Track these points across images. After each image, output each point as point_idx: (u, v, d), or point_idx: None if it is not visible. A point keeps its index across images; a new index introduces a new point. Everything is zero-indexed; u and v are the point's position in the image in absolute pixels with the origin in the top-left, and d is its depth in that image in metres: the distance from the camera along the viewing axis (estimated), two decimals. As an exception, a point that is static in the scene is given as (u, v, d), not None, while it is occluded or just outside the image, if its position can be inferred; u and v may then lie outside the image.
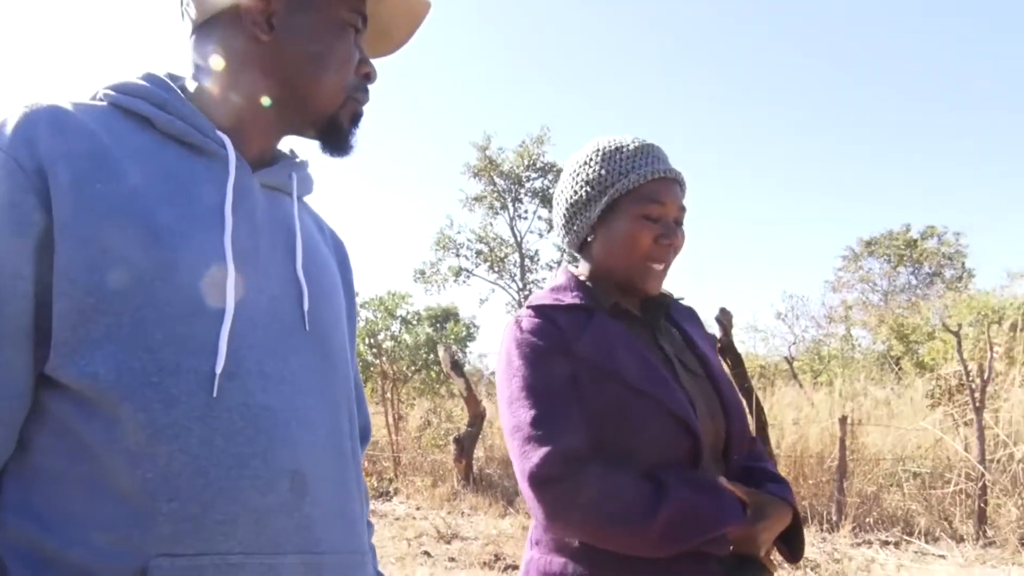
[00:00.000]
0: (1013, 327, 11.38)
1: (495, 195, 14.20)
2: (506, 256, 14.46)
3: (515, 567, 6.05)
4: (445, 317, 16.93)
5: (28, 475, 0.79)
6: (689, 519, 1.30)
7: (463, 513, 8.32)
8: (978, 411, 6.37)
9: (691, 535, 1.29)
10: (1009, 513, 6.30)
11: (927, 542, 6.28)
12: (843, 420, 7.08)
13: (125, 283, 0.78)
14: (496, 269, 14.51)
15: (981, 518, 6.32)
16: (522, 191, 14.35)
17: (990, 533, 6.21)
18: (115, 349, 0.77)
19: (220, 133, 0.92)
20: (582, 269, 1.55)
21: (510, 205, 14.30)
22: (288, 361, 0.88)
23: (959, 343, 6.86)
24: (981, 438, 6.42)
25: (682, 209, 1.48)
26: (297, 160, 1.05)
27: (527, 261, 14.51)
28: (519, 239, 14.44)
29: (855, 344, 17.77)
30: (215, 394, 0.80)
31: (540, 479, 1.29)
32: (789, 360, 15.49)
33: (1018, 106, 41.40)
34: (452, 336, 10.85)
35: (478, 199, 14.35)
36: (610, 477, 1.31)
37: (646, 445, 1.35)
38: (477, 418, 9.19)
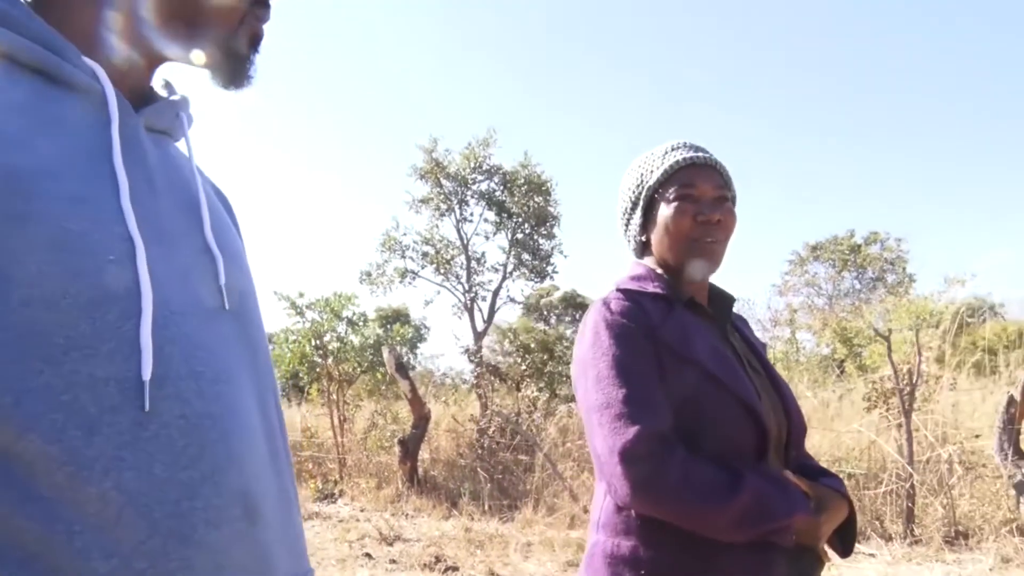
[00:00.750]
0: (945, 332, 11.74)
1: (441, 197, 14.20)
2: (452, 258, 14.48)
3: (455, 569, 6.07)
4: (396, 318, 16.92)
5: None
6: (761, 507, 1.34)
7: (407, 515, 8.32)
8: (907, 414, 6.56)
9: (764, 522, 1.34)
10: (936, 512, 6.49)
11: (858, 541, 6.44)
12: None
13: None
14: (442, 271, 14.52)
15: (909, 517, 6.50)
16: (468, 193, 14.37)
17: (917, 532, 6.39)
18: (2, 362, 0.58)
19: (88, 60, 0.71)
20: (650, 264, 1.60)
21: (456, 207, 14.30)
22: (216, 352, 0.71)
23: (889, 347, 7.06)
24: (910, 440, 6.60)
25: (721, 189, 1.53)
26: (179, 97, 0.85)
27: (473, 263, 14.56)
28: (465, 241, 14.46)
29: (799, 347, 18.13)
30: (147, 408, 0.62)
31: (631, 455, 1.32)
32: (736, 363, 15.74)
33: (964, 114, 42.53)
34: (399, 337, 10.81)
35: (424, 201, 14.34)
36: (693, 460, 1.35)
37: (718, 433, 1.40)
38: (422, 420, 9.19)
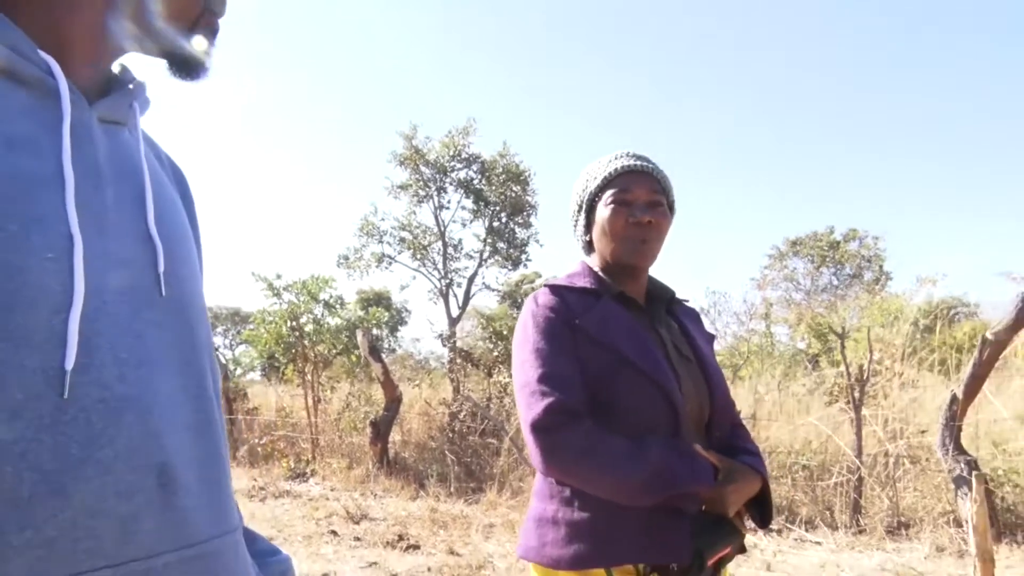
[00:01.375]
0: (911, 330, 11.97)
1: (420, 184, 14.31)
2: (429, 244, 14.62)
3: (416, 547, 6.27)
4: (377, 301, 17.01)
5: None
6: (663, 475, 1.47)
7: (375, 495, 8.50)
8: (857, 409, 6.79)
9: (664, 489, 1.47)
10: (881, 503, 6.74)
11: (807, 530, 6.68)
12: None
13: None
14: (418, 257, 14.66)
15: (856, 508, 6.75)
16: (447, 181, 14.56)
17: (863, 522, 6.64)
18: None
19: (43, 54, 0.72)
20: (593, 263, 1.78)
21: (434, 194, 14.44)
22: (144, 338, 0.75)
23: (842, 344, 7.28)
24: (859, 434, 6.84)
25: (655, 194, 1.69)
26: (134, 83, 0.85)
27: (450, 249, 14.70)
28: (443, 228, 14.62)
29: (775, 341, 18.33)
30: (66, 394, 0.66)
31: (540, 426, 1.50)
32: (709, 355, 15.92)
33: (949, 116, 42.81)
34: (374, 320, 10.96)
35: (403, 187, 14.46)
36: (599, 431, 1.50)
37: (631, 410, 1.54)
38: (393, 402, 9.35)
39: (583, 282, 1.70)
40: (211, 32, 0.86)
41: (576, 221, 1.80)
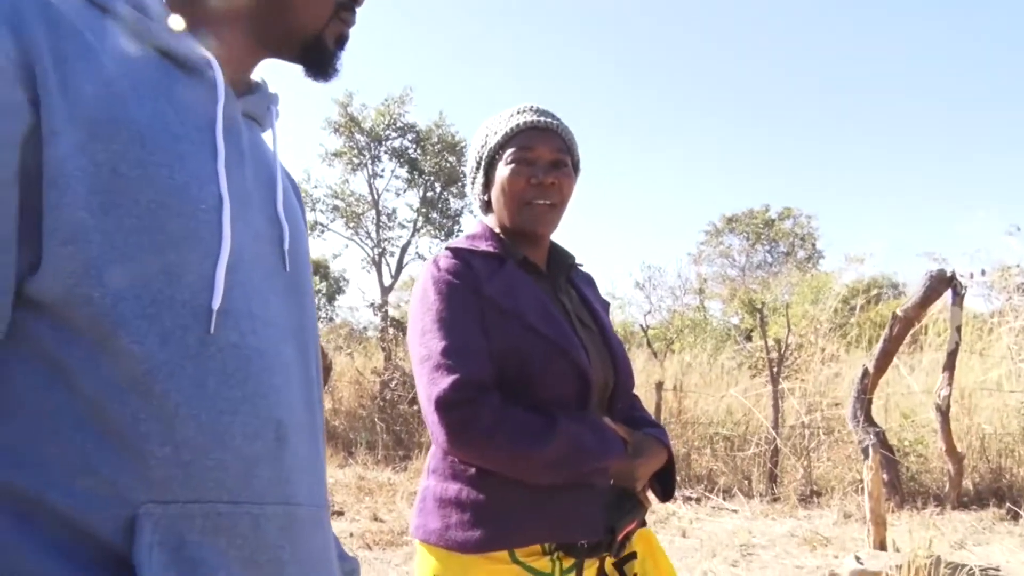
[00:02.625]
0: (836, 307, 12.33)
1: (354, 152, 14.11)
2: (363, 213, 14.46)
3: (341, 513, 6.29)
4: (315, 270, 16.85)
5: (1, 410, 0.70)
6: (574, 451, 1.40)
7: (304, 462, 8.49)
8: (775, 382, 6.99)
9: (576, 464, 1.41)
10: (796, 472, 6.98)
11: (725, 498, 6.89)
12: (659, 385, 7.61)
13: (118, 201, 0.70)
14: (351, 225, 14.52)
15: (772, 478, 6.97)
16: (382, 149, 14.38)
17: (778, 491, 6.87)
18: (111, 273, 0.69)
19: (204, 51, 0.84)
20: (491, 223, 1.65)
21: (369, 163, 14.23)
22: (270, 303, 0.83)
23: (762, 320, 7.48)
24: (775, 407, 7.06)
25: (559, 152, 1.58)
26: (272, 91, 0.98)
27: (383, 218, 14.58)
28: (376, 196, 14.46)
29: (708, 315, 18.68)
30: (212, 330, 0.74)
31: (446, 403, 1.38)
32: (644, 328, 16.20)
33: (884, 101, 43.79)
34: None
35: (337, 155, 14.21)
36: (508, 407, 1.41)
37: (540, 382, 1.45)
38: (324, 370, 9.30)
39: (485, 245, 1.58)
40: (340, 39, 0.97)
41: (474, 179, 1.68)
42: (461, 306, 1.47)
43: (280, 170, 0.94)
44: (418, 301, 1.53)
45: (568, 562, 1.44)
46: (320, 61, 0.95)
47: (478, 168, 1.65)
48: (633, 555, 1.54)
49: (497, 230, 1.63)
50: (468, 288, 1.49)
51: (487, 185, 1.64)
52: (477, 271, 1.52)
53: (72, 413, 0.69)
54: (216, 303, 0.74)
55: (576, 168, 1.66)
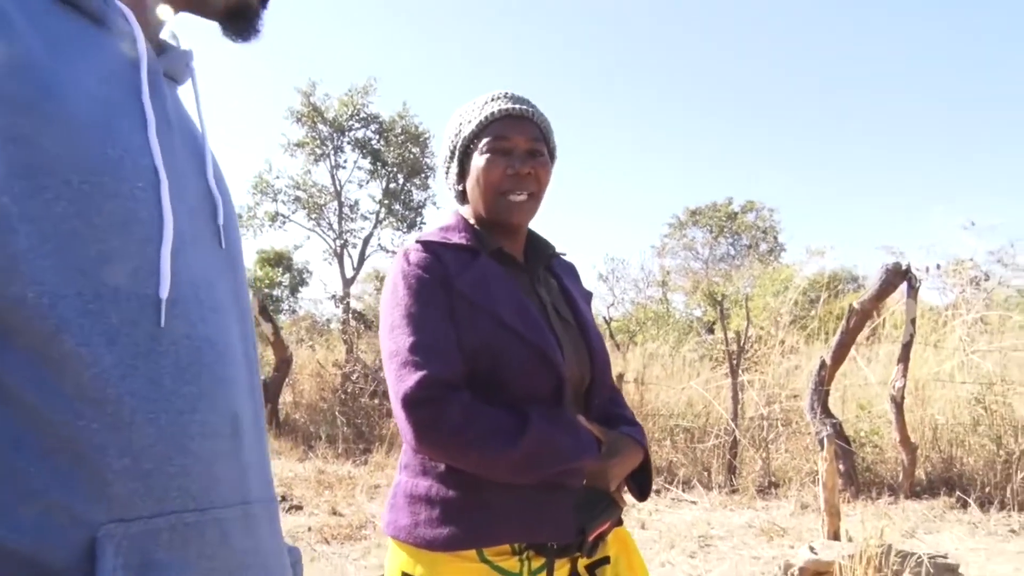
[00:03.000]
0: (801, 298, 12.49)
1: (317, 142, 13.98)
2: (325, 204, 14.34)
3: (299, 507, 6.25)
4: (278, 261, 16.70)
5: None
6: (547, 450, 1.37)
7: (264, 456, 8.42)
8: (734, 374, 7.04)
9: (548, 465, 1.37)
10: (754, 464, 7.05)
11: (684, 490, 6.94)
12: (620, 377, 7.64)
13: (44, 183, 0.62)
14: (313, 216, 14.39)
15: (731, 469, 7.03)
16: (344, 140, 14.27)
17: (737, 482, 6.93)
18: (44, 267, 0.61)
19: (119, 3, 0.74)
20: (466, 213, 1.61)
21: (331, 153, 14.10)
22: (214, 286, 0.76)
23: (721, 312, 7.54)
24: (735, 398, 7.12)
25: (535, 142, 1.53)
26: (187, 48, 0.88)
27: (346, 210, 14.47)
28: (339, 187, 14.33)
29: (671, 308, 18.84)
30: (163, 323, 0.67)
31: (412, 401, 1.34)
32: (607, 320, 16.30)
33: (847, 96, 44.34)
34: (267, 280, 10.76)
35: (299, 145, 14.05)
36: (477, 405, 1.37)
37: (513, 380, 1.41)
38: (283, 363, 9.25)
39: (458, 237, 1.54)
40: None
41: (448, 169, 1.63)
42: (430, 301, 1.43)
43: (206, 134, 0.86)
44: (388, 295, 1.49)
45: (538, 562, 1.42)
46: (243, 20, 0.88)
47: (452, 158, 1.61)
48: (606, 559, 1.51)
49: (472, 220, 1.59)
50: (438, 282, 1.45)
51: (462, 175, 1.60)
52: (448, 264, 1.47)
53: (9, 433, 0.60)
54: (164, 292, 0.67)
55: (552, 156, 1.62)
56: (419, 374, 1.35)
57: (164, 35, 0.87)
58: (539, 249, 1.65)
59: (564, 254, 1.74)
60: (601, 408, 1.58)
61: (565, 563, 1.46)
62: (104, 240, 0.64)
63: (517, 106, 1.54)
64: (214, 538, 0.69)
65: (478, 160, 1.53)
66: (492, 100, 1.56)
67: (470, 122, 1.56)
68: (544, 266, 1.65)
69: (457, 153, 1.59)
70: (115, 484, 0.62)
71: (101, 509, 0.62)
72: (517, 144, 1.52)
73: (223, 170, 0.92)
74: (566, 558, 1.45)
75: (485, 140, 1.53)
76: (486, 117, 1.54)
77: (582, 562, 1.48)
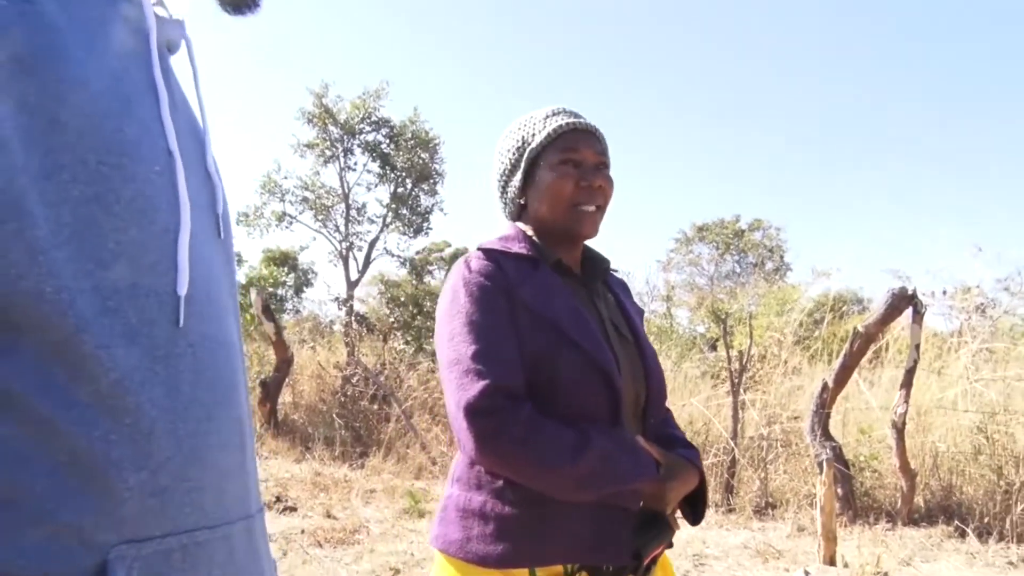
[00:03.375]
0: (806, 319, 12.45)
1: (327, 144, 14.03)
2: (333, 206, 14.37)
3: (294, 509, 6.23)
4: (283, 261, 16.71)
5: None
6: (607, 469, 1.35)
7: (261, 456, 8.40)
8: (735, 393, 7.01)
9: (607, 484, 1.36)
10: (752, 484, 7.01)
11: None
12: (621, 391, 7.61)
13: (61, 162, 0.55)
14: (320, 218, 14.42)
15: (728, 488, 6.99)
16: (355, 143, 14.30)
17: (734, 502, 6.89)
18: (61, 259, 0.54)
19: None
20: (525, 227, 1.60)
21: (341, 155, 14.14)
22: (220, 281, 0.71)
23: (724, 331, 7.51)
24: (735, 417, 7.08)
25: (601, 155, 1.55)
26: (180, 17, 0.79)
27: (353, 212, 14.48)
28: (347, 190, 14.37)
29: (674, 323, 18.78)
30: (181, 322, 0.62)
31: (476, 410, 1.33)
32: (611, 333, 16.24)
33: (857, 117, 44.34)
34: (271, 280, 10.76)
35: (309, 146, 14.10)
36: (540, 418, 1.35)
37: (570, 393, 1.40)
38: (284, 363, 9.25)
39: (518, 247, 1.52)
40: None
41: (506, 183, 1.61)
42: (493, 309, 1.41)
43: (203, 110, 0.78)
44: (448, 303, 1.47)
45: None
46: None
47: (514, 170, 1.60)
48: None
49: (530, 233, 1.58)
50: (500, 291, 1.43)
51: (524, 188, 1.59)
52: (509, 273, 1.46)
53: (15, 447, 0.53)
54: (183, 288, 0.62)
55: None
56: (483, 383, 1.33)
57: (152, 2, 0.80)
58: (596, 263, 1.65)
59: (617, 271, 1.74)
60: (656, 428, 1.57)
61: None
62: (123, 229, 0.58)
63: (582, 120, 1.56)
64: (223, 556, 0.65)
65: (547, 172, 1.53)
66: (555, 114, 1.58)
67: (534, 135, 1.56)
68: (601, 280, 1.65)
69: (523, 166, 1.57)
70: (129, 502, 0.57)
71: (113, 529, 0.56)
72: (586, 157, 1.53)
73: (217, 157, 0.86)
74: None
75: (554, 153, 1.53)
76: (554, 130, 1.54)
77: None
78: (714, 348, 14.52)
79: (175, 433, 0.60)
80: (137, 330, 0.58)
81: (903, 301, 6.33)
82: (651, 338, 13.11)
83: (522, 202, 1.60)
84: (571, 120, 1.55)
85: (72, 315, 0.54)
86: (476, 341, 1.38)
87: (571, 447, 1.34)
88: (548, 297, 1.45)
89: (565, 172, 1.52)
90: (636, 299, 1.78)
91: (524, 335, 1.41)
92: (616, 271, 1.73)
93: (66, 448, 0.54)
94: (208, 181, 0.74)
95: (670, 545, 1.51)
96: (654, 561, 1.47)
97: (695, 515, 1.60)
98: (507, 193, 1.63)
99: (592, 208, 1.53)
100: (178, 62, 0.79)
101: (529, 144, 1.56)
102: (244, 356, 0.78)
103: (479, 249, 1.53)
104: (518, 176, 1.58)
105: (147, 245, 0.60)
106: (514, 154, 1.59)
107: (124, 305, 0.58)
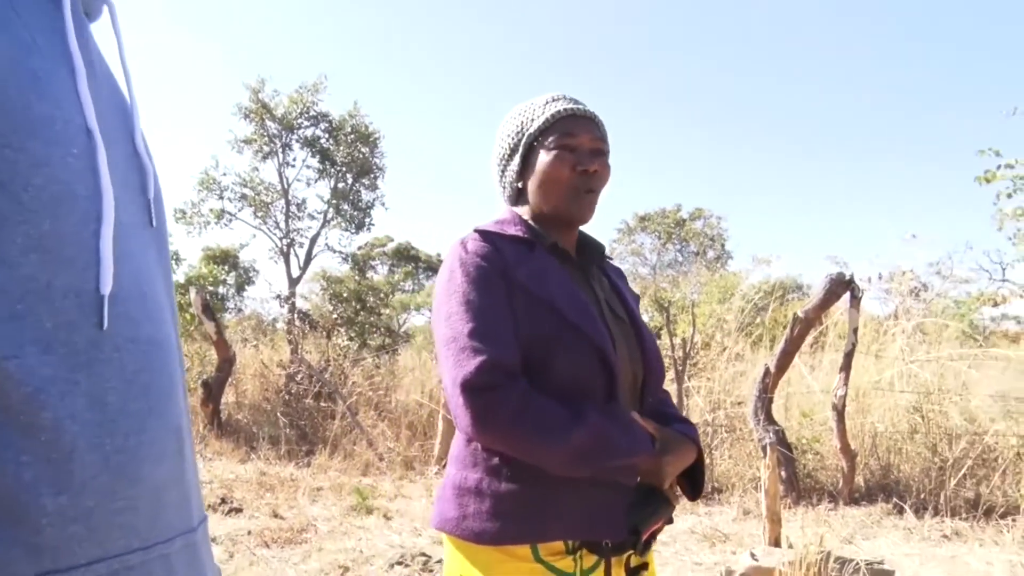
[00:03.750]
0: (749, 306, 12.65)
1: (265, 139, 13.82)
2: (272, 202, 14.18)
3: (239, 510, 6.12)
4: (224, 259, 16.43)
5: None
6: (601, 444, 1.36)
7: (205, 457, 8.25)
8: (679, 380, 7.10)
9: (602, 459, 1.37)
10: (698, 470, 7.10)
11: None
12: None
13: None
14: (259, 215, 14.22)
15: (675, 474, 7.08)
16: (293, 138, 14.14)
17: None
18: None
19: None
20: (521, 212, 1.62)
21: (280, 151, 13.96)
22: (153, 275, 0.65)
23: (667, 319, 7.60)
24: (679, 404, 7.16)
25: (599, 141, 1.56)
26: None
27: (293, 208, 14.32)
28: (286, 186, 14.19)
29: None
30: (105, 325, 0.55)
31: (472, 386, 1.34)
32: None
33: (796, 105, 45.18)
34: (211, 278, 10.56)
35: (247, 142, 13.89)
36: (535, 394, 1.37)
37: (566, 371, 1.42)
38: (226, 362, 9.08)
39: (514, 230, 1.56)
40: None
41: (505, 167, 1.64)
42: (489, 289, 1.44)
43: (130, 82, 0.71)
44: (444, 283, 1.48)
45: (589, 561, 1.42)
46: None
47: (512, 155, 1.62)
48: (645, 566, 1.50)
49: (526, 217, 1.60)
50: (496, 271, 1.46)
51: (522, 172, 1.61)
52: (506, 255, 1.49)
53: None
54: (106, 286, 0.55)
55: (607, 156, 1.64)
56: (479, 359, 1.35)
57: None
58: (592, 247, 1.68)
59: (611, 259, 1.77)
60: (654, 406, 1.59)
61: (621, 560, 1.46)
62: (33, 222, 0.51)
63: (580, 106, 1.58)
64: None
65: (544, 156, 1.55)
66: (554, 100, 1.60)
67: (533, 120, 1.58)
68: (597, 264, 1.67)
69: (521, 150, 1.60)
70: (48, 529, 0.51)
71: (30, 559, 0.50)
72: (583, 142, 1.55)
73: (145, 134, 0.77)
74: (620, 556, 1.44)
75: (552, 137, 1.55)
76: (552, 115, 1.56)
77: (635, 559, 1.47)
78: (659, 337, 14.71)
79: (101, 449, 0.54)
80: (53, 336, 0.52)
81: (840, 286, 6.47)
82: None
83: (520, 186, 1.62)
84: (570, 106, 1.57)
85: None
86: (472, 320, 1.40)
87: (566, 422, 1.36)
88: (544, 278, 1.48)
89: (562, 156, 1.54)
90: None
91: (520, 315, 1.43)
92: (611, 259, 1.76)
93: None
94: (137, 161, 0.68)
95: (670, 520, 1.52)
96: (654, 536, 1.48)
97: (694, 490, 1.61)
98: (505, 177, 1.65)
99: (588, 192, 1.55)
100: (101, 29, 0.72)
101: (528, 129, 1.59)
102: (182, 356, 0.72)
103: (475, 231, 1.55)
104: (516, 160, 1.61)
105: (64, 238, 0.53)
106: (513, 139, 1.61)
107: (37, 308, 0.51)
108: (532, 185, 1.59)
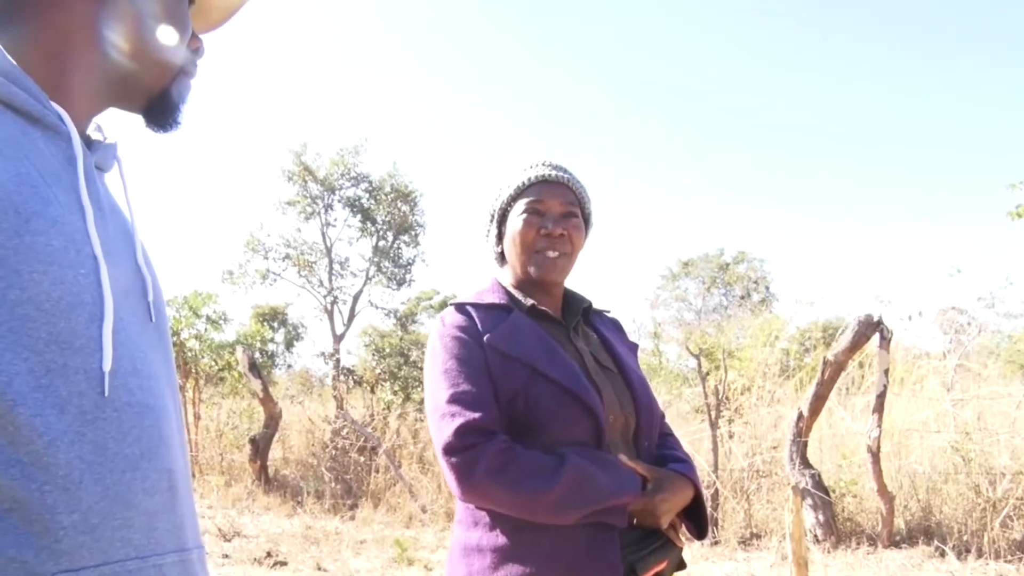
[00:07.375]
0: (796, 348, 12.55)
1: (308, 201, 14.31)
2: (316, 261, 14.58)
3: (284, 564, 6.28)
4: (273, 316, 16.82)
5: None
6: (585, 488, 1.40)
7: (253, 512, 8.43)
8: (713, 425, 7.13)
9: (588, 502, 1.40)
10: (736, 515, 7.10)
11: (668, 541, 6.96)
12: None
13: (0, 274, 0.70)
14: (303, 274, 14.62)
15: (712, 520, 7.08)
16: (335, 198, 14.61)
17: (719, 534, 6.97)
18: (1, 349, 0.70)
19: (54, 104, 0.82)
20: (504, 276, 1.72)
21: (322, 211, 14.42)
22: (148, 357, 0.86)
23: (699, 365, 7.63)
24: (714, 450, 7.19)
25: (569, 205, 1.65)
26: (113, 140, 0.97)
27: (336, 267, 14.69)
28: (329, 245, 14.59)
29: (663, 360, 18.83)
30: (106, 393, 0.76)
31: (450, 448, 1.42)
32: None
33: (831, 140, 44.92)
34: (258, 337, 10.87)
35: (291, 203, 14.38)
36: (514, 447, 1.43)
37: (550, 423, 1.47)
38: (272, 419, 9.31)
39: (492, 298, 1.64)
40: (185, 92, 0.99)
41: (488, 232, 1.74)
42: (464, 357, 1.52)
43: (135, 218, 0.96)
44: (428, 358, 1.59)
45: None
46: (163, 114, 0.97)
47: (491, 221, 1.73)
48: None
49: (509, 282, 1.69)
50: (472, 339, 1.54)
51: (500, 237, 1.71)
52: (479, 322, 1.57)
53: None
54: (107, 365, 0.76)
55: (587, 220, 1.73)
56: (456, 423, 1.43)
57: (90, 130, 0.95)
58: (575, 303, 1.73)
59: (608, 311, 1.84)
60: (651, 451, 1.61)
61: None
62: (53, 323, 0.73)
63: (552, 172, 1.66)
64: None
65: (514, 222, 1.64)
66: (530, 167, 1.68)
67: (508, 187, 1.68)
68: (581, 320, 1.73)
69: (495, 216, 1.70)
70: (65, 539, 0.71)
71: (52, 561, 0.70)
72: (551, 207, 1.63)
73: (149, 252, 1.01)
74: None
75: (522, 203, 1.64)
76: (523, 182, 1.65)
77: None
78: (689, 385, 14.56)
79: (103, 481, 0.74)
80: (67, 400, 0.73)
81: (870, 328, 6.50)
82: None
83: (500, 251, 1.72)
84: (540, 172, 1.66)
85: (10, 393, 0.69)
86: (450, 387, 1.48)
87: (547, 471, 1.40)
88: (518, 338, 1.55)
89: (529, 221, 1.62)
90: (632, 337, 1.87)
91: (497, 376, 1.49)
92: (607, 312, 1.83)
93: (10, 497, 0.69)
94: (139, 274, 0.91)
95: (682, 564, 1.55)
96: None
97: (699, 529, 1.61)
98: (488, 242, 1.75)
99: (554, 254, 1.62)
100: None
101: (501, 196, 1.69)
102: (180, 417, 0.94)
103: (451, 304, 1.65)
104: (494, 226, 1.71)
105: (75, 332, 0.75)
106: (492, 205, 1.72)
107: (56, 382, 0.72)
108: (507, 249, 1.68)
